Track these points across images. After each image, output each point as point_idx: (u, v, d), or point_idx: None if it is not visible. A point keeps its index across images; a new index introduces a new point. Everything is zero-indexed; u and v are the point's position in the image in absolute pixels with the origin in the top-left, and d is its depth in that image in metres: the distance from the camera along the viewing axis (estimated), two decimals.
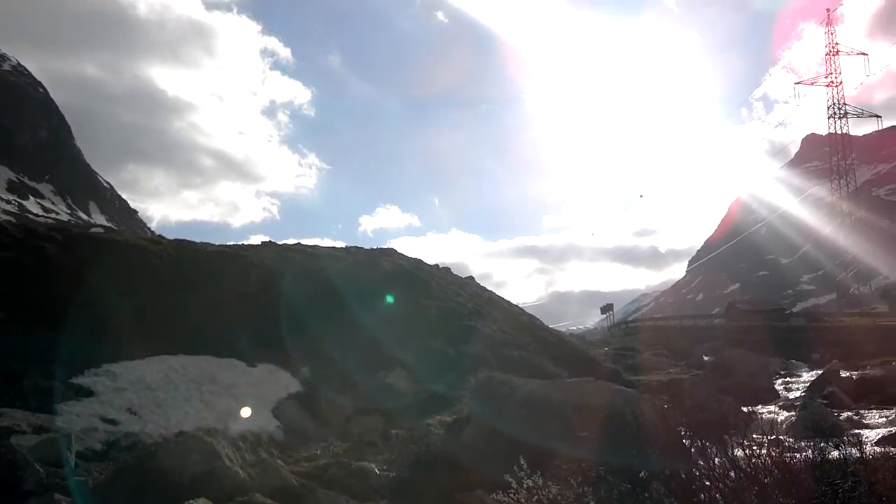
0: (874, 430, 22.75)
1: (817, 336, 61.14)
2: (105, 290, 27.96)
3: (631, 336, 75.11)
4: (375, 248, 59.26)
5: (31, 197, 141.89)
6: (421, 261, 57.25)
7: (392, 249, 59.61)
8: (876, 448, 16.46)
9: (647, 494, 9.29)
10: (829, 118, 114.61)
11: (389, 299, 39.43)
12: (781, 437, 17.63)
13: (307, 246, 48.99)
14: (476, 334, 37.16)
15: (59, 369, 21.60)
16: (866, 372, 36.39)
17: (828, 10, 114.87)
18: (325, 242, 68.62)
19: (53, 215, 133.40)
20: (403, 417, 24.98)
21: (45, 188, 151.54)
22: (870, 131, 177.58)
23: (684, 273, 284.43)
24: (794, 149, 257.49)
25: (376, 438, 22.12)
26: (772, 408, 28.79)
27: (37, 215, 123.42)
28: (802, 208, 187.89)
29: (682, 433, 16.98)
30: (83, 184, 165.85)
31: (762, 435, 15.69)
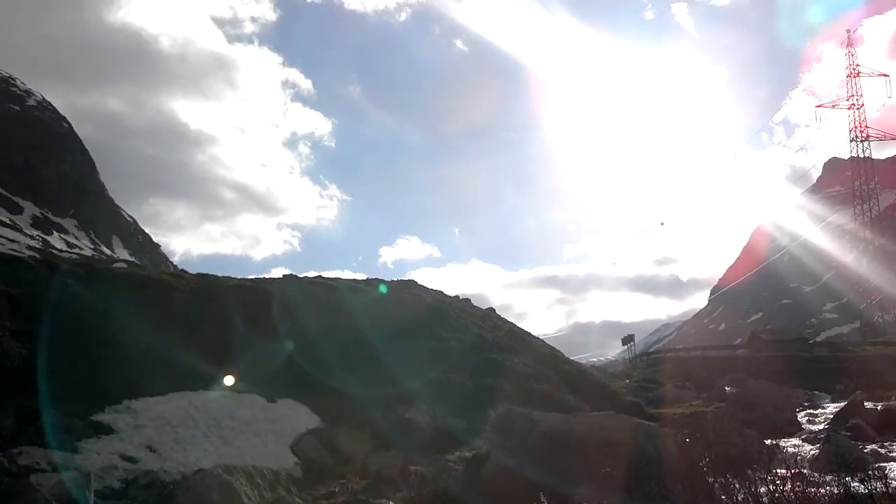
0: None
1: (841, 366, 60.49)
2: (127, 326, 28.09)
3: (652, 368, 74.54)
4: (396, 279, 59.42)
5: (55, 232, 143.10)
6: (441, 292, 57.26)
7: (412, 281, 59.70)
8: None
9: None
10: (850, 142, 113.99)
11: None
12: (805, 472, 17.44)
13: (328, 279, 49.10)
14: (497, 367, 37.00)
15: (80, 406, 21.67)
16: (891, 403, 35.88)
17: (848, 31, 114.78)
18: (346, 274, 69.01)
19: (77, 250, 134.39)
20: (422, 453, 24.84)
21: (68, 223, 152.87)
22: (893, 154, 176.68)
23: (706, 302, 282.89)
24: (816, 173, 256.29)
25: (395, 475, 21.99)
26: (795, 441, 28.42)
27: (60, 251, 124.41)
28: (824, 236, 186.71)
29: (706, 468, 16.81)
30: (106, 218, 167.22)
31: (786, 469, 15.53)
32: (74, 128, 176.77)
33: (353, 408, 28.26)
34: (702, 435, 22.00)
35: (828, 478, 17.88)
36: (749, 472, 15.32)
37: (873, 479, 13.93)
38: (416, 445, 25.45)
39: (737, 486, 14.83)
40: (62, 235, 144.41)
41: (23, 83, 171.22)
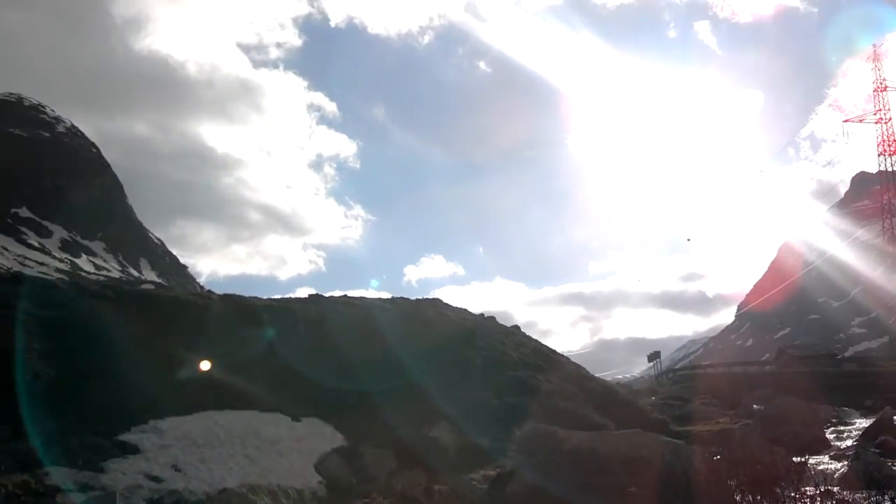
0: None
1: (869, 382, 59.84)
2: (153, 346, 28.30)
3: (679, 384, 74.01)
4: (421, 298, 59.47)
5: (83, 254, 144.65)
6: (466, 310, 57.22)
7: (437, 300, 59.71)
8: None
9: None
10: (878, 156, 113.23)
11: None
12: (834, 490, 17.23)
13: (353, 298, 49.19)
14: (522, 385, 36.85)
15: (106, 426, 21.81)
16: None
17: (874, 45, 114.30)
18: (371, 293, 69.02)
19: (105, 272, 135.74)
20: (447, 472, 24.76)
21: (97, 246, 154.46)
22: None
23: (733, 318, 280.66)
24: (844, 188, 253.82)
25: (419, 494, 21.92)
26: (824, 458, 28.06)
27: (89, 273, 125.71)
28: (852, 251, 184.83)
29: (734, 487, 16.64)
30: (134, 241, 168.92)
31: (815, 487, 15.35)
32: (103, 153, 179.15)
33: (377, 426, 28.24)
34: (729, 453, 21.80)
35: (857, 496, 17.69)
36: (777, 490, 15.16)
37: None
38: (440, 464, 25.37)
39: None
40: (90, 258, 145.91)
41: (52, 110, 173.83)
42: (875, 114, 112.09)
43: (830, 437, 34.99)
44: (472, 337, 44.34)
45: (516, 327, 60.11)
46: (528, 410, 32.21)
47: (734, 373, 78.62)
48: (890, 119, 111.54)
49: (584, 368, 54.22)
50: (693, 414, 44.93)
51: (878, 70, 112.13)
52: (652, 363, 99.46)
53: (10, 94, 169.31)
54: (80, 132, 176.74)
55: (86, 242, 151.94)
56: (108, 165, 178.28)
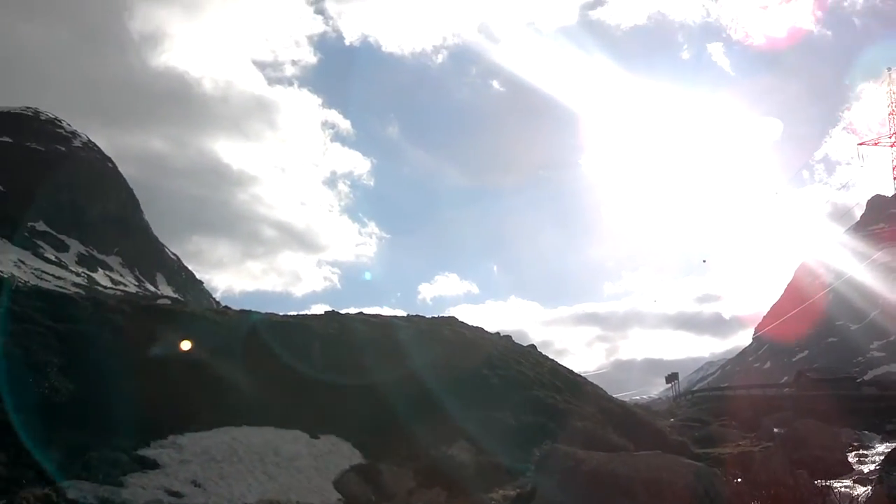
0: None
1: (890, 406, 59.21)
2: (171, 362, 28.34)
3: (697, 406, 73.52)
4: (436, 316, 59.43)
5: (99, 269, 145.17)
6: (482, 329, 57.12)
7: (453, 318, 59.64)
8: None
9: None
10: (894, 179, 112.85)
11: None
12: None
13: (369, 315, 49.20)
14: (539, 405, 36.67)
15: (126, 441, 21.82)
16: None
17: (888, 69, 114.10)
18: (385, 311, 69.10)
19: (122, 287, 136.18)
20: (466, 491, 24.58)
21: (113, 260, 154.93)
22: None
23: (750, 340, 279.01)
24: (860, 211, 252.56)
25: None
26: (847, 482, 27.76)
27: (105, 287, 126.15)
28: (869, 273, 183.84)
29: None
30: (150, 256, 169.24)
31: None
32: (119, 168, 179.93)
33: (395, 444, 28.15)
34: (752, 475, 21.59)
35: None
36: None
37: None
38: (459, 483, 25.18)
39: None
40: (107, 272, 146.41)
41: (68, 124, 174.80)
42: (890, 137, 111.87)
43: (852, 460, 34.64)
44: (489, 356, 44.20)
45: (533, 346, 59.92)
46: (547, 430, 32.04)
47: (753, 395, 78.02)
48: None
49: (602, 389, 53.98)
50: (713, 436, 44.54)
51: (893, 93, 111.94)
52: (670, 384, 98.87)
53: (27, 108, 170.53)
54: (97, 147, 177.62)
55: (102, 257, 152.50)
56: (125, 180, 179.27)
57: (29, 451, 19.51)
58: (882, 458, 33.13)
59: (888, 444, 38.17)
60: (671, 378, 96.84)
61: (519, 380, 41.00)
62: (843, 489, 23.91)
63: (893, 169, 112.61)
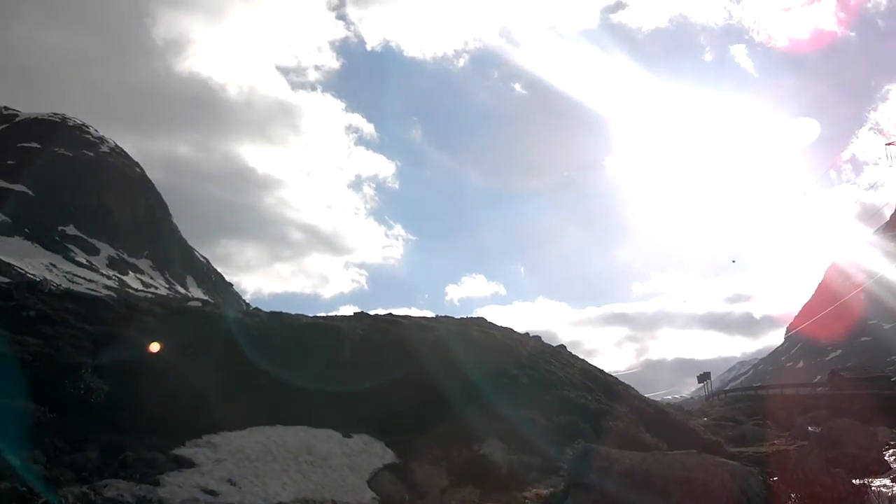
0: None
1: None
2: (205, 362, 28.51)
3: (730, 406, 73.03)
4: (465, 317, 59.40)
5: (130, 272, 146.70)
6: (511, 329, 57.06)
7: (482, 318, 59.62)
8: None
9: None
10: None
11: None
12: None
13: (398, 316, 49.25)
14: (570, 405, 36.49)
15: (162, 440, 21.97)
16: None
17: None
18: (413, 312, 69.07)
19: (152, 289, 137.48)
20: (498, 490, 24.52)
21: (143, 263, 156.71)
22: None
23: (783, 340, 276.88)
24: (889, 211, 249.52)
25: None
26: (884, 481, 27.38)
27: (136, 290, 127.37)
28: None
29: None
30: (180, 259, 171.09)
31: None
32: (147, 172, 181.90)
33: (427, 443, 28.11)
34: (787, 474, 21.35)
35: None
36: None
37: None
38: (492, 482, 25.14)
39: None
40: (137, 275, 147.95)
41: (96, 130, 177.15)
42: None
43: (889, 459, 34.20)
44: (519, 356, 44.12)
45: (562, 346, 59.75)
46: (579, 430, 31.87)
47: (787, 395, 77.34)
48: None
49: (633, 388, 53.69)
50: (746, 435, 44.18)
51: None
52: (702, 384, 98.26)
53: (55, 114, 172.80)
54: (124, 152, 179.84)
55: (132, 260, 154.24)
56: (153, 184, 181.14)
57: (66, 451, 19.71)
58: None
59: None
60: (703, 377, 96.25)
61: (549, 380, 40.85)
62: (880, 488, 23.60)
63: None
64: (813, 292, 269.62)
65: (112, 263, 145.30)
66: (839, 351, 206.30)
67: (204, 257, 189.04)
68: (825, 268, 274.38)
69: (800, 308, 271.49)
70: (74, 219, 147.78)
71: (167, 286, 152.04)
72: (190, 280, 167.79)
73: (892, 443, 41.47)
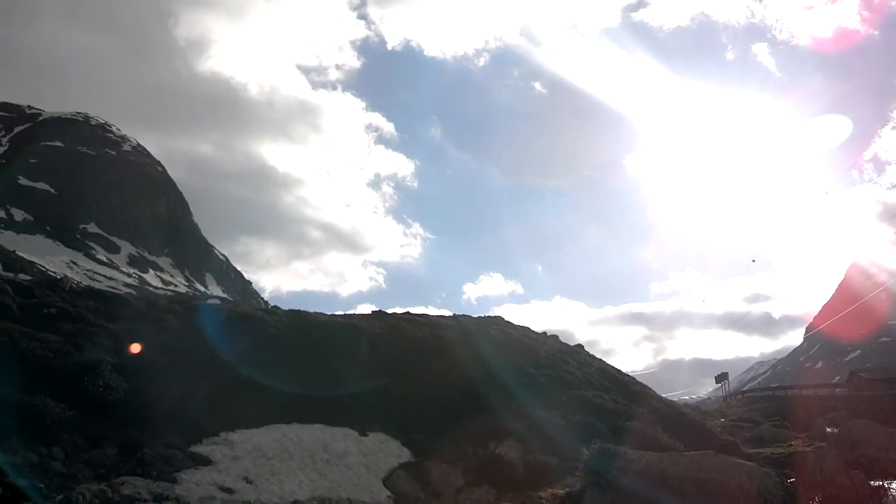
0: None
1: None
2: (223, 360, 28.65)
3: (748, 406, 72.64)
4: (483, 316, 59.36)
5: (150, 270, 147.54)
6: (528, 328, 56.94)
7: (499, 317, 59.56)
8: None
9: None
10: None
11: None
12: None
13: (416, 315, 49.30)
14: (587, 404, 36.42)
15: (179, 438, 22.11)
16: None
17: None
18: (431, 310, 69.09)
19: (172, 287, 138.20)
20: (514, 489, 24.52)
21: (163, 261, 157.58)
22: None
23: (802, 340, 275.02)
24: None
25: None
26: None
27: (156, 287, 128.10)
28: None
29: None
30: (200, 257, 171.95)
31: None
32: (168, 171, 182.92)
33: (443, 442, 28.14)
34: (805, 475, 21.24)
35: None
36: None
37: None
38: (507, 481, 25.15)
39: None
40: (157, 273, 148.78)
41: (118, 129, 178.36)
42: None
43: None
44: (536, 355, 44.05)
45: (580, 346, 59.61)
46: (596, 430, 31.80)
47: (806, 395, 76.85)
48: None
49: (650, 388, 53.50)
50: (764, 436, 43.96)
51: None
52: (719, 384, 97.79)
53: (78, 113, 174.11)
54: (146, 150, 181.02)
55: (153, 258, 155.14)
56: (174, 183, 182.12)
57: (84, 448, 19.86)
58: None
59: None
60: (721, 378, 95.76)
61: (567, 379, 40.78)
62: None
63: None
64: (833, 292, 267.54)
65: (132, 261, 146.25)
66: (858, 351, 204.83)
67: (223, 255, 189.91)
68: (846, 267, 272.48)
69: (820, 308, 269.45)
70: (96, 217, 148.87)
71: (186, 284, 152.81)
72: (209, 278, 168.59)
73: None
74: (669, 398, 63.73)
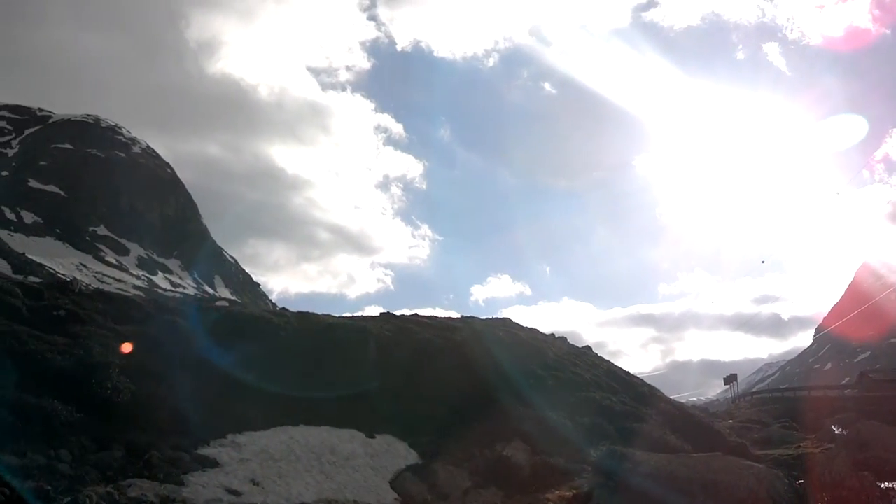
0: None
1: None
2: (231, 362, 28.70)
3: (757, 408, 72.38)
4: (491, 317, 59.43)
5: (159, 272, 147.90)
6: (536, 330, 57.04)
7: (508, 319, 59.66)
8: None
9: None
10: None
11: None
12: None
13: (424, 317, 49.34)
14: (595, 406, 36.37)
15: (187, 440, 22.13)
16: None
17: None
18: (438, 312, 69.43)
19: (181, 289, 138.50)
20: (522, 491, 24.49)
21: (172, 263, 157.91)
22: None
23: (811, 341, 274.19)
24: None
25: None
26: None
27: (165, 290, 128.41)
28: None
29: None
30: (209, 259, 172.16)
31: None
32: (177, 173, 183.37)
33: (450, 444, 28.14)
34: (814, 477, 21.18)
35: None
36: None
37: None
38: (515, 483, 25.12)
39: None
40: (166, 275, 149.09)
41: (128, 131, 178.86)
42: None
43: None
44: (544, 357, 44.06)
45: (588, 348, 59.68)
46: (604, 432, 31.77)
47: (815, 397, 76.56)
48: None
49: (659, 390, 53.44)
50: (773, 437, 43.80)
51: None
52: (728, 386, 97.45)
53: (88, 115, 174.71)
54: (156, 153, 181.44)
55: (162, 260, 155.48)
56: (183, 185, 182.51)
57: (91, 450, 19.89)
58: None
59: None
60: (730, 379, 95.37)
61: (575, 381, 40.77)
62: None
63: None
64: (843, 293, 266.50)
65: (142, 263, 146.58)
66: (868, 353, 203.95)
67: (232, 257, 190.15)
68: (856, 268, 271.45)
69: (829, 309, 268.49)
70: (105, 219, 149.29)
71: (195, 286, 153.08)
72: (218, 280, 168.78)
73: None
74: (678, 400, 63.69)
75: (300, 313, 40.48)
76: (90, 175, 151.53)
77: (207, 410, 24.36)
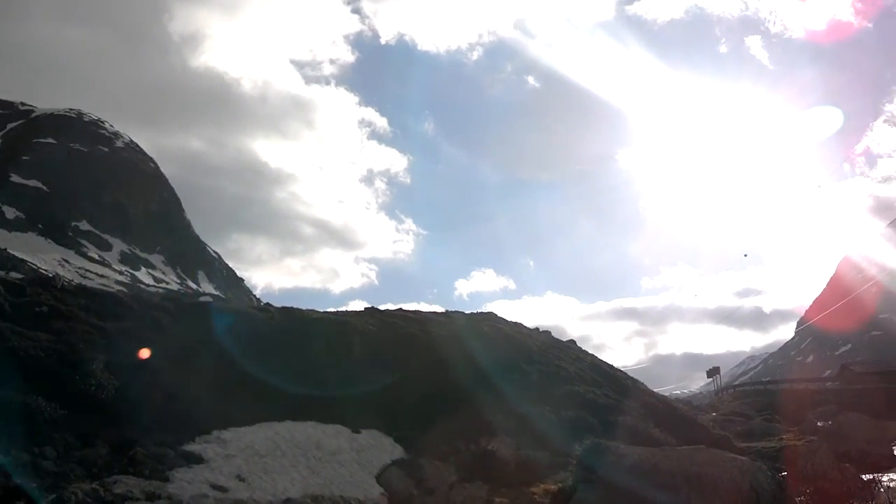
0: None
1: None
2: (215, 357, 28.65)
3: (739, 400, 72.95)
4: (475, 312, 59.50)
5: (142, 267, 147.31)
6: (521, 324, 57.10)
7: (492, 314, 59.69)
8: None
9: None
10: None
11: None
12: None
13: (408, 311, 49.33)
14: (579, 399, 36.54)
15: (172, 436, 22.09)
16: None
17: None
18: (423, 307, 69.41)
19: (164, 285, 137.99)
20: (506, 486, 24.62)
21: (156, 259, 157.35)
22: None
23: (793, 335, 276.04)
24: None
25: None
26: (893, 475, 27.32)
27: (148, 285, 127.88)
28: None
29: None
30: (192, 254, 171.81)
31: None
32: (160, 167, 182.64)
33: (436, 439, 28.20)
34: (796, 469, 21.36)
35: None
36: None
37: None
38: (500, 477, 25.24)
39: None
40: (149, 270, 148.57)
41: (111, 125, 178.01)
42: None
43: None
44: (529, 351, 44.17)
45: (572, 342, 59.83)
46: (588, 425, 31.94)
47: (797, 389, 77.16)
48: None
49: (642, 383, 53.69)
50: (755, 430, 44.20)
51: None
52: (711, 379, 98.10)
53: (71, 109, 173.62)
54: (139, 147, 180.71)
55: (145, 255, 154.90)
56: (166, 180, 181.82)
57: (76, 446, 19.84)
58: None
59: None
60: (713, 372, 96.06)
61: (559, 375, 40.91)
62: (890, 483, 23.55)
63: None
64: (825, 286, 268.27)
65: (124, 259, 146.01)
66: (849, 345, 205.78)
67: (216, 252, 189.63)
68: (837, 261, 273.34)
69: (811, 302, 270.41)
70: (88, 214, 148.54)
71: (178, 281, 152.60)
72: (201, 275, 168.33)
73: None
74: (661, 393, 63.99)
75: (284, 308, 40.38)
76: (73, 170, 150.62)
77: (192, 406, 24.30)
